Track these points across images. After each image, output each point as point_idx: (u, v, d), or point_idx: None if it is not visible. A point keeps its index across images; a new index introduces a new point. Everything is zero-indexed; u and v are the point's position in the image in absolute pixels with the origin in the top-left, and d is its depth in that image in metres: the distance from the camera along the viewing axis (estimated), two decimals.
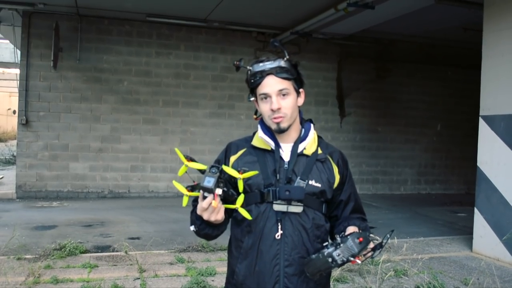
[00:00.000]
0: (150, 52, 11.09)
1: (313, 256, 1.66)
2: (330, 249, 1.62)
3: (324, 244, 1.68)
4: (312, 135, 1.89)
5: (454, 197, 12.18)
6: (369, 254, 1.66)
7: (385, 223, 8.45)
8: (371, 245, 1.67)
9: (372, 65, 12.71)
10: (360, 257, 1.62)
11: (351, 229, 1.74)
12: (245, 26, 11.08)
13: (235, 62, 1.83)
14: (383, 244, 1.68)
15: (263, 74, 1.77)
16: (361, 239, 1.61)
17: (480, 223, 6.49)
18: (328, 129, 12.20)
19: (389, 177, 12.99)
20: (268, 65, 1.77)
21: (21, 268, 5.04)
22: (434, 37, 11.77)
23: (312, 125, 1.92)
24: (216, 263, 5.45)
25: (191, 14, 10.36)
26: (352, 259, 1.59)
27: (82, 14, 10.35)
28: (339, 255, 1.60)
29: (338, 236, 1.67)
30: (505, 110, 6.14)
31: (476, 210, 6.57)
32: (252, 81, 1.80)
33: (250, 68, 1.80)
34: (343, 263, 1.61)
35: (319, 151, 1.88)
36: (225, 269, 5.51)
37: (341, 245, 1.61)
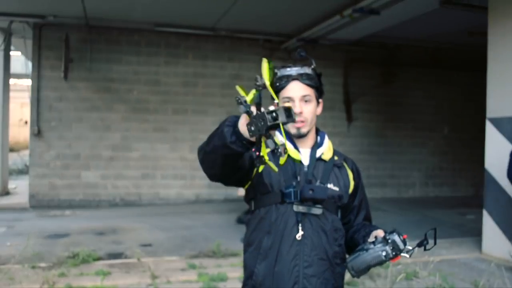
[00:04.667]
0: (159, 61, 11.21)
1: (359, 252, 1.75)
2: (379, 244, 1.73)
3: (370, 241, 1.77)
4: (328, 142, 1.98)
5: (462, 199, 12.13)
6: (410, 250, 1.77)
7: (394, 226, 8.44)
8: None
9: (378, 70, 12.72)
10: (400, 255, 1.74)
11: (379, 232, 1.84)
12: (252, 33, 11.18)
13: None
14: (424, 243, 1.82)
15: (289, 78, 1.84)
16: (405, 236, 1.75)
17: (489, 225, 6.50)
18: (336, 134, 12.21)
19: (397, 181, 12.98)
20: (295, 70, 1.85)
21: (36, 276, 5.12)
22: (440, 41, 11.78)
23: (326, 134, 2.01)
24: (228, 269, 5.48)
25: (199, 23, 10.49)
26: (401, 254, 1.72)
27: (91, 25, 10.49)
28: (392, 248, 1.72)
29: (375, 236, 1.79)
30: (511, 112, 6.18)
31: (484, 212, 6.59)
32: (278, 84, 1.85)
33: (277, 72, 1.87)
34: (392, 258, 1.72)
35: (335, 158, 1.97)
36: (236, 274, 5.53)
37: (389, 240, 1.72)
